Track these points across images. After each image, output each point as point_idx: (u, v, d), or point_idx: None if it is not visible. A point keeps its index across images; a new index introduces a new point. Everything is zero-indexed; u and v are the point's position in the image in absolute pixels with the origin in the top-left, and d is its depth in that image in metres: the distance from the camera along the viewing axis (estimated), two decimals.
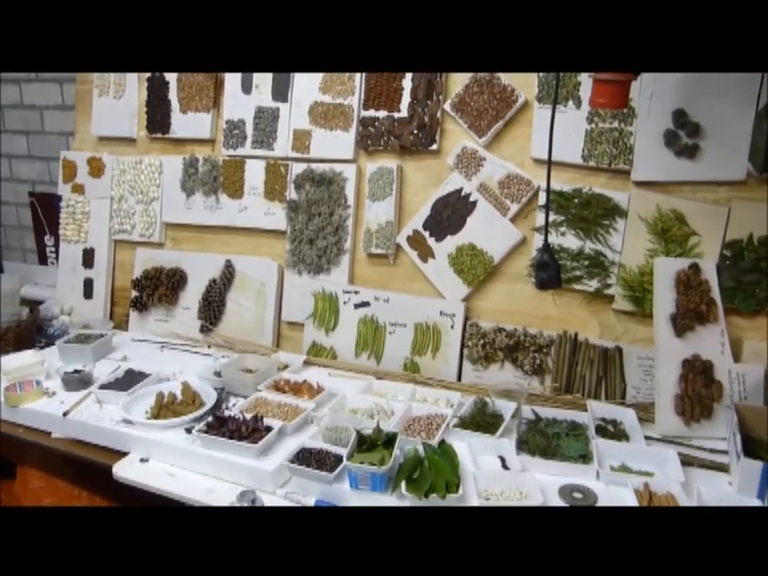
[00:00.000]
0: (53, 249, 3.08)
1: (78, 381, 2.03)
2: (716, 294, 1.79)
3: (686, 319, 1.75)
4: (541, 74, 1.96)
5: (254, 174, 2.41)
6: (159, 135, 2.57)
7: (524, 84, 1.99)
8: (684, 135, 1.82)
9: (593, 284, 1.98)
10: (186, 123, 2.51)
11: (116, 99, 2.62)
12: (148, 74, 2.55)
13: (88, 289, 2.74)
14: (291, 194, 2.36)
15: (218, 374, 2.07)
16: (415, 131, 2.13)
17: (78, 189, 2.73)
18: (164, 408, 1.85)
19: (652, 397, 1.85)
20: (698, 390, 1.70)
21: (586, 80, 1.90)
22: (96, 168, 2.68)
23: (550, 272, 1.55)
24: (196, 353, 2.39)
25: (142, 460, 1.70)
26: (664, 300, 1.80)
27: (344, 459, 1.48)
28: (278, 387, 1.99)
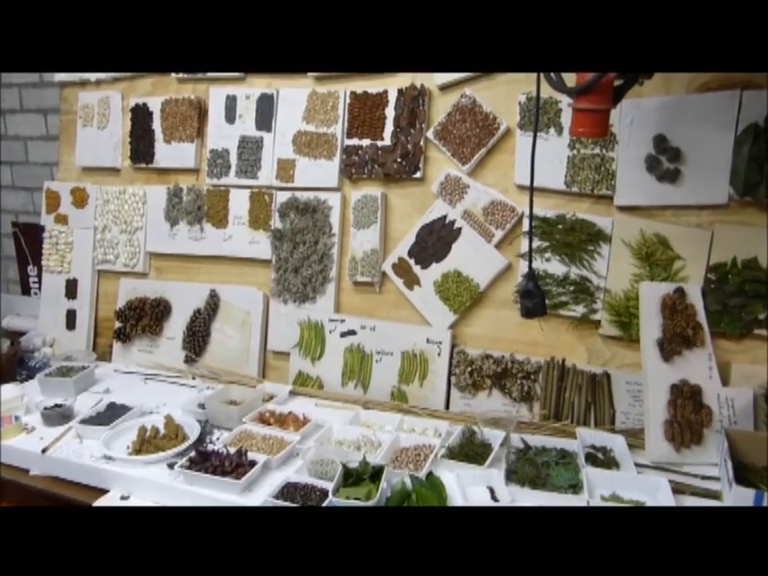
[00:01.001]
0: (36, 279, 3.05)
1: (58, 416, 1.99)
2: (702, 318, 1.78)
3: (673, 344, 1.74)
4: (522, 102, 1.98)
5: (239, 203, 2.40)
6: (143, 165, 2.56)
7: (506, 112, 2.00)
8: (665, 160, 1.83)
9: (579, 309, 1.97)
10: (170, 153, 2.51)
11: (100, 130, 2.62)
12: (132, 104, 2.55)
13: (71, 320, 2.70)
14: (276, 222, 2.36)
15: (201, 406, 2.04)
16: (399, 159, 2.13)
17: (62, 219, 2.71)
18: (146, 443, 1.81)
19: (641, 422, 1.84)
20: (688, 416, 1.68)
21: (566, 107, 1.91)
22: (80, 198, 2.67)
23: (534, 300, 1.54)
24: (180, 384, 2.36)
25: (122, 497, 1.65)
26: (650, 325, 1.79)
27: (329, 494, 1.45)
28: (263, 419, 1.96)
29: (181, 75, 2.45)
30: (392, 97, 2.14)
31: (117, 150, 2.61)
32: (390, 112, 2.15)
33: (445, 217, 2.11)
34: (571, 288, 1.97)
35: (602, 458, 1.71)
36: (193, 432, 1.86)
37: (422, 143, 2.11)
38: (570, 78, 1.41)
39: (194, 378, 2.40)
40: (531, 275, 1.55)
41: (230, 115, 2.39)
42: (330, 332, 2.28)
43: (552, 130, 1.95)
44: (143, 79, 2.55)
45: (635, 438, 1.80)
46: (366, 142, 2.19)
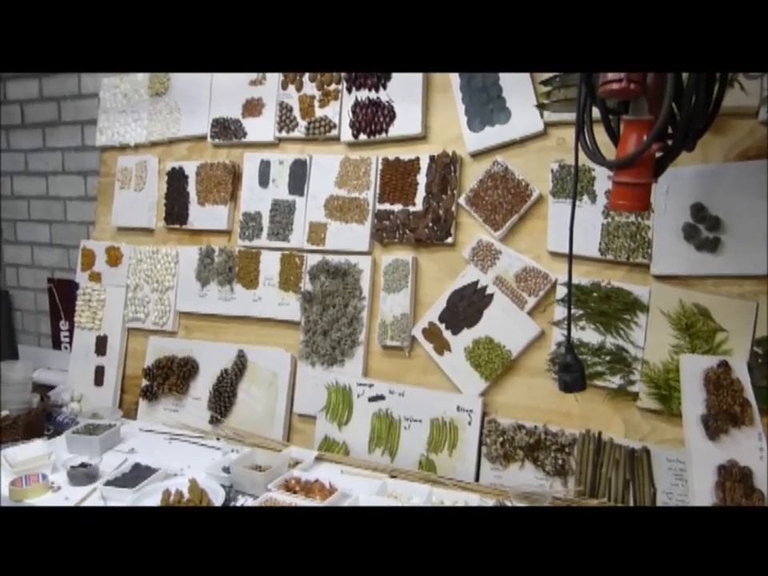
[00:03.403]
0: (67, 334, 3.10)
1: (84, 475, 1.98)
2: (749, 394, 1.69)
3: (719, 421, 1.66)
4: (554, 169, 1.97)
5: (270, 264, 2.42)
6: (177, 226, 2.61)
7: (538, 179, 2.00)
8: (704, 229, 1.79)
9: (615, 380, 1.90)
10: (203, 215, 2.55)
11: (136, 191, 2.69)
12: (168, 168, 2.62)
13: (99, 376, 2.71)
14: (306, 284, 2.36)
15: (226, 470, 2.00)
16: (430, 224, 2.13)
17: (96, 277, 2.76)
18: None
19: (684, 503, 1.74)
20: (738, 501, 1.58)
21: (600, 175, 1.90)
22: (114, 257, 2.72)
23: (573, 374, 1.49)
24: (204, 445, 2.32)
25: None
26: (693, 400, 1.71)
27: None
28: (288, 487, 1.90)
29: (216, 141, 2.52)
30: (424, 163, 2.16)
31: (152, 211, 2.67)
32: (421, 178, 2.16)
33: (476, 282, 2.09)
34: (607, 358, 1.91)
35: None
36: (217, 498, 1.83)
37: (453, 209, 2.11)
38: (606, 149, 1.41)
39: (218, 439, 2.36)
40: (570, 348, 1.50)
41: (264, 179, 2.43)
42: (358, 396, 2.24)
43: (586, 197, 1.94)
44: (180, 144, 2.63)
45: None
46: (397, 207, 2.20)
